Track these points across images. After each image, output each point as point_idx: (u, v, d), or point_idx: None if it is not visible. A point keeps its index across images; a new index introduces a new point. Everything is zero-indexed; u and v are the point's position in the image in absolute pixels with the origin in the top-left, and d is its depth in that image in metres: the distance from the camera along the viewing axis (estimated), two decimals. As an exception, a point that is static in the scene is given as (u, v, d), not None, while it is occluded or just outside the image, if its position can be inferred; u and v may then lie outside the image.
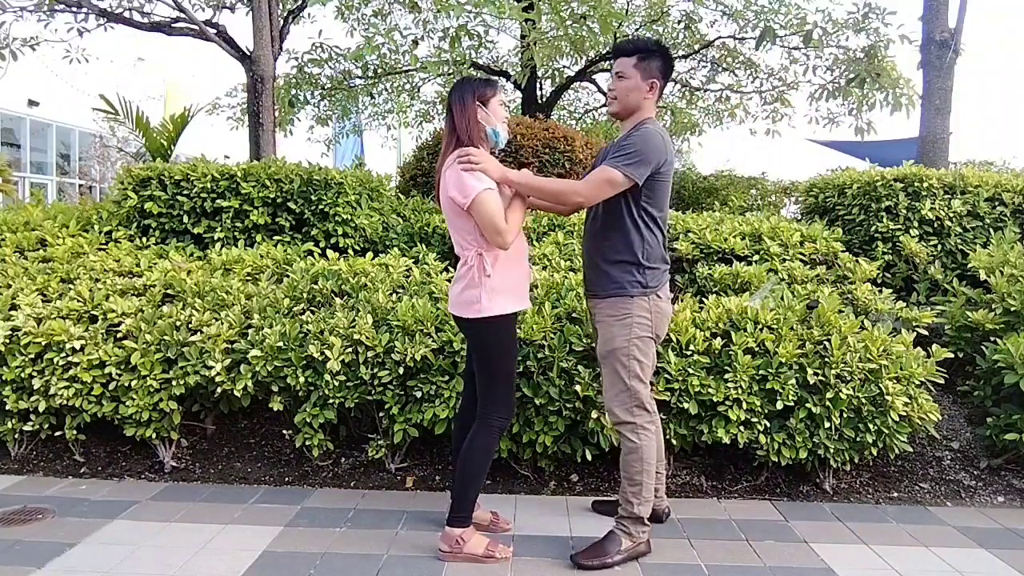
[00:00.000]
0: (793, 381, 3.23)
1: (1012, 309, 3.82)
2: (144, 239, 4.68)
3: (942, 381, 3.45)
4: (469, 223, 2.63)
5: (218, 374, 3.35)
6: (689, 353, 3.30)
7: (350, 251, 4.65)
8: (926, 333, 3.82)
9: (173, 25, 6.81)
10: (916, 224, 4.87)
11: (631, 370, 2.69)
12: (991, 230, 4.83)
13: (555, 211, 3.04)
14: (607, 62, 10.01)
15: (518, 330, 3.32)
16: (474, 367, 2.77)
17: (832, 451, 3.26)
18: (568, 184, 2.74)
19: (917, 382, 3.31)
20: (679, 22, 9.08)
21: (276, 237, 4.68)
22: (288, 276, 3.97)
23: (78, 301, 3.65)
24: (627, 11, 8.92)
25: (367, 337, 3.29)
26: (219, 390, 3.41)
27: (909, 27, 7.32)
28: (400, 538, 2.91)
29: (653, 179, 2.66)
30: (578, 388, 3.20)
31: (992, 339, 3.75)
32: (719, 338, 3.36)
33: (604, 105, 12.91)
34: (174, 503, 3.23)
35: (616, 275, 2.71)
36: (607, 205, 2.72)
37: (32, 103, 18.20)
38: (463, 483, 2.73)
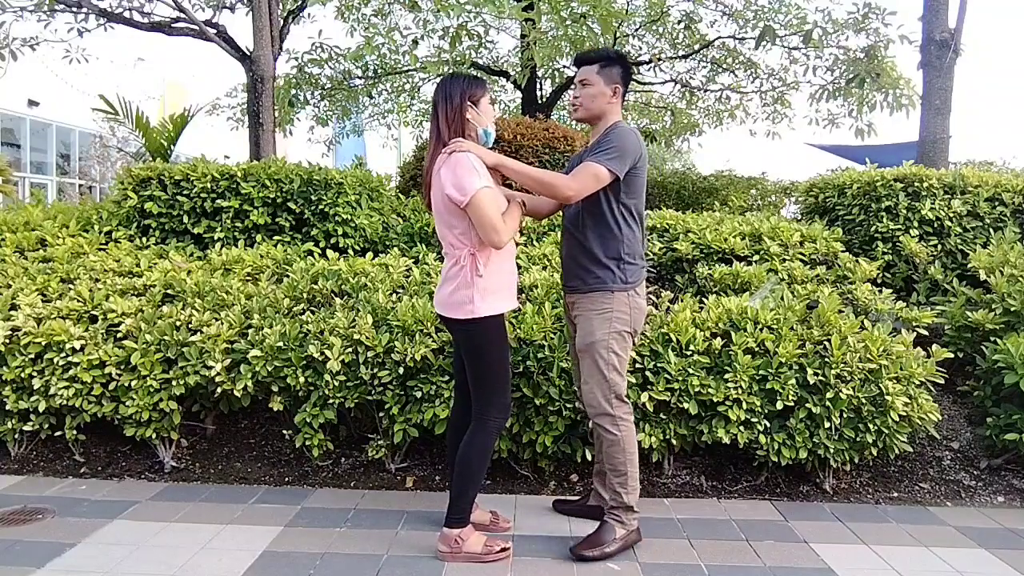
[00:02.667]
0: (793, 381, 3.23)
1: (1012, 309, 3.82)
2: (144, 239, 4.69)
3: (942, 381, 3.46)
4: (463, 222, 2.61)
5: (218, 374, 3.35)
6: (689, 353, 3.30)
7: (350, 251, 4.65)
8: (926, 333, 3.82)
9: (173, 25, 6.81)
10: (916, 224, 4.87)
11: (609, 362, 2.74)
12: (991, 230, 4.83)
13: (536, 214, 3.05)
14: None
15: (518, 330, 3.33)
16: (466, 369, 2.76)
17: (832, 451, 3.26)
18: (559, 177, 2.73)
19: (917, 382, 3.31)
20: (679, 22, 9.07)
21: (276, 237, 4.68)
22: (288, 276, 3.97)
23: (78, 301, 3.65)
24: (627, 11, 8.91)
25: (367, 337, 3.29)
26: (219, 390, 3.41)
27: (909, 27, 7.33)
28: (400, 538, 2.91)
29: (630, 174, 2.74)
30: (578, 388, 3.20)
31: (992, 339, 3.75)
32: (719, 338, 3.36)
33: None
34: (174, 503, 3.23)
35: (598, 271, 2.77)
36: (587, 202, 2.77)
37: (32, 103, 18.19)
38: (462, 484, 2.72)
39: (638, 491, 2.85)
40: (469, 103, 2.68)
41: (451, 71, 8.64)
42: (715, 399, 3.23)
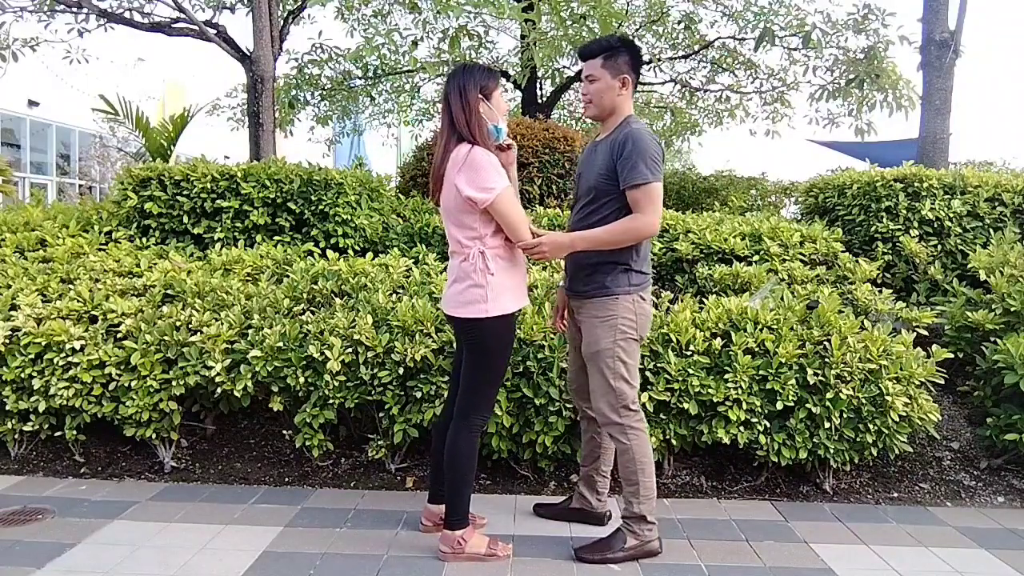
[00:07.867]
0: (793, 381, 3.23)
1: (1012, 309, 3.82)
2: (144, 239, 4.69)
3: (942, 381, 3.45)
4: (476, 221, 2.58)
5: (218, 374, 3.35)
6: (689, 353, 3.30)
7: (350, 251, 4.65)
8: (926, 333, 3.82)
9: (173, 25, 6.82)
10: (916, 224, 4.87)
11: (616, 371, 2.67)
12: (991, 230, 4.83)
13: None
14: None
15: (519, 330, 3.32)
16: (464, 366, 2.71)
17: (832, 451, 3.26)
18: (632, 222, 2.60)
19: (917, 382, 3.31)
20: (679, 22, 9.08)
21: (276, 237, 4.68)
22: (288, 276, 3.97)
23: (78, 301, 3.65)
24: (627, 11, 8.91)
25: (367, 337, 3.29)
26: (219, 390, 3.41)
27: (909, 28, 7.34)
28: (400, 538, 2.91)
29: None
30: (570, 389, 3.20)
31: (992, 339, 3.75)
32: (719, 338, 3.36)
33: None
34: (174, 503, 3.23)
35: (603, 276, 2.69)
36: (597, 204, 2.69)
37: (32, 103, 18.19)
38: (455, 485, 2.69)
39: (653, 501, 2.75)
40: (481, 96, 2.61)
41: (451, 72, 8.64)
42: (715, 399, 3.23)
